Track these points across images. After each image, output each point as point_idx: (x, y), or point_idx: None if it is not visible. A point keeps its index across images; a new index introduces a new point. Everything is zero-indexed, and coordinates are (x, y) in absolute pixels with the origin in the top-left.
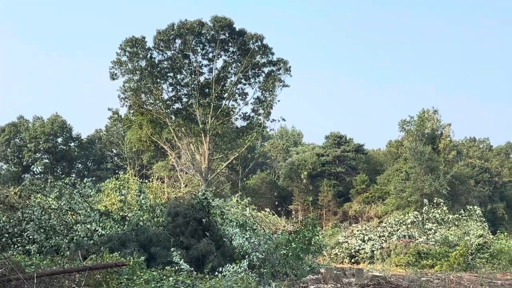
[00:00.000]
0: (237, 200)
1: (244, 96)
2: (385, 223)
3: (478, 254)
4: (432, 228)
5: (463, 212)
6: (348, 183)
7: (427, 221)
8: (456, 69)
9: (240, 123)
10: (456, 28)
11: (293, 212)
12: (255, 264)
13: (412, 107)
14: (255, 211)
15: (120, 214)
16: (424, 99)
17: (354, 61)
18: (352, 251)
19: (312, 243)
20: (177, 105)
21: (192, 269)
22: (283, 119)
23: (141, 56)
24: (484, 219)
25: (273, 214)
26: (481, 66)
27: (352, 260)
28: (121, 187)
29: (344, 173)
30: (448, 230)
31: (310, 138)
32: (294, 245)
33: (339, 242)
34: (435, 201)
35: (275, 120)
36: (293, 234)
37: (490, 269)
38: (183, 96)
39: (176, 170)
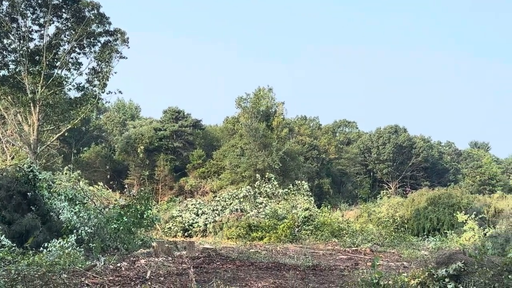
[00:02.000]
0: (66, 173)
1: (78, 66)
2: (219, 197)
3: (304, 226)
4: (263, 202)
5: (292, 187)
6: (185, 158)
7: (259, 195)
8: (291, 50)
9: (73, 94)
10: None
11: (126, 187)
12: (84, 239)
13: (250, 85)
14: (87, 185)
15: None
16: (260, 77)
17: (193, 29)
18: (186, 225)
19: (145, 217)
20: (3, 72)
21: (15, 245)
22: (120, 92)
23: None
24: (311, 194)
25: (107, 189)
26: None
27: (186, 234)
28: None
29: (181, 148)
30: (278, 204)
31: (148, 112)
32: (126, 219)
33: (173, 216)
34: (267, 176)
35: (112, 92)
36: (125, 208)
37: (314, 240)
38: (10, 63)
39: (2, 142)
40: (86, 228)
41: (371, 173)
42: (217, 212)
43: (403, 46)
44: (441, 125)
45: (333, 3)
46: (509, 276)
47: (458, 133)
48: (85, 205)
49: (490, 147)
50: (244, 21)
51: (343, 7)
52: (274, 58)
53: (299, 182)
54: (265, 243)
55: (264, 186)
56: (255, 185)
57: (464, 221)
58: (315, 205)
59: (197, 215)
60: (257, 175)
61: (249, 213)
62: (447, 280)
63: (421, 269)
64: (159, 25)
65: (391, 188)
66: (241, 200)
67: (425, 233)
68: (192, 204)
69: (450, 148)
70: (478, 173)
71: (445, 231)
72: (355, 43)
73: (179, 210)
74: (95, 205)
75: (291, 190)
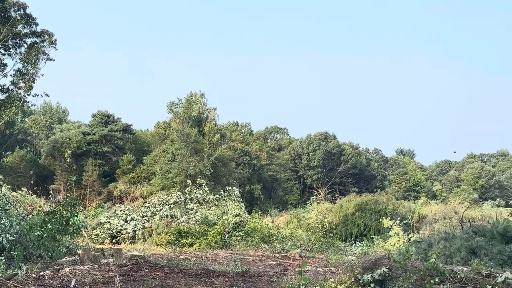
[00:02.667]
0: None
1: (2, 67)
2: (149, 203)
3: (234, 232)
4: (193, 208)
5: (223, 193)
6: (115, 163)
7: (189, 201)
8: (227, 55)
9: None
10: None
11: (52, 192)
12: (5, 246)
13: (180, 90)
14: (10, 190)
15: None
16: (193, 82)
17: (126, 35)
18: (114, 231)
19: (71, 223)
20: None
21: None
22: (47, 95)
23: None
24: (241, 200)
25: (31, 195)
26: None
27: (114, 241)
28: None
29: (111, 152)
30: (209, 209)
31: (76, 116)
32: (50, 226)
33: (101, 222)
34: (198, 182)
35: (38, 95)
36: (49, 215)
37: (244, 246)
38: None
39: None
40: (7, 236)
41: (302, 179)
42: (146, 218)
43: (333, 53)
44: (369, 132)
45: (265, 10)
46: (431, 281)
47: (385, 140)
48: (7, 211)
49: (415, 154)
50: (180, 27)
51: (273, 13)
52: (207, 63)
53: (230, 188)
54: (195, 249)
55: (195, 192)
56: (186, 191)
57: (390, 227)
58: (246, 211)
59: (126, 221)
60: (188, 180)
61: (179, 219)
62: (372, 285)
63: (348, 274)
64: (91, 31)
65: (320, 194)
66: (172, 206)
67: (352, 239)
68: (121, 210)
69: (377, 155)
70: (404, 179)
71: (371, 236)
72: (285, 49)
73: (107, 217)
74: (17, 211)
75: (222, 196)
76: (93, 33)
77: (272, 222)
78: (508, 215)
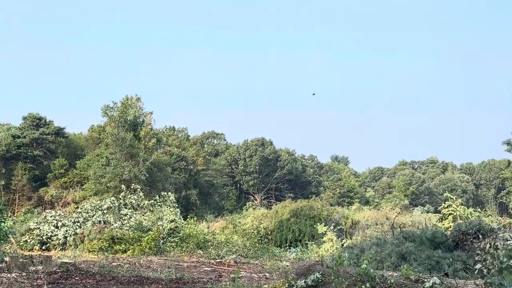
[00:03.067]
0: None
1: None
2: (81, 208)
3: (169, 238)
4: (127, 214)
5: (158, 198)
6: (46, 167)
7: (123, 206)
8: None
9: None
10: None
11: None
12: None
13: (116, 93)
14: None
15: None
16: (129, 86)
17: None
18: (44, 237)
19: None
20: None
21: None
22: None
23: None
24: (177, 205)
25: None
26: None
27: (43, 247)
28: None
29: (42, 156)
30: (143, 215)
31: (6, 118)
32: None
33: (30, 228)
34: (132, 187)
35: None
36: None
37: (179, 252)
38: None
39: None
40: None
41: (238, 185)
42: (78, 224)
43: (268, 56)
44: (305, 139)
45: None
46: (363, 286)
47: (320, 147)
48: None
49: (349, 161)
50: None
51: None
52: (146, 65)
53: (165, 193)
54: (129, 256)
55: (130, 197)
56: (120, 196)
57: (324, 232)
58: (181, 216)
59: (57, 227)
60: (123, 185)
61: (112, 225)
62: None
63: (282, 280)
64: (28, 26)
65: (257, 200)
66: (105, 211)
67: (287, 244)
68: (51, 216)
69: (313, 161)
70: (338, 186)
71: (306, 242)
72: (223, 52)
73: (37, 222)
74: None
75: (157, 202)
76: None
77: (208, 228)
78: (436, 221)
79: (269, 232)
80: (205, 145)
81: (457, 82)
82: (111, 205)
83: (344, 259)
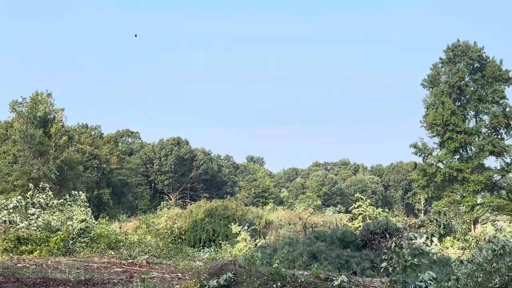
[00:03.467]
0: None
1: None
2: None
3: (79, 239)
4: (35, 213)
5: (68, 197)
6: None
7: (31, 206)
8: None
9: None
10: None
11: None
12: None
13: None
14: None
15: None
16: (39, 82)
17: None
18: None
19: None
20: None
21: None
22: None
23: None
24: (88, 204)
25: None
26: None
27: None
28: None
29: None
30: (52, 215)
31: None
32: None
33: None
34: (41, 185)
35: None
36: None
37: (90, 252)
38: None
39: None
40: None
41: (153, 184)
42: None
43: (186, 54)
44: (221, 139)
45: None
46: (274, 285)
47: (236, 147)
48: None
49: (264, 161)
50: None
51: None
52: (59, 63)
53: (76, 192)
54: (36, 257)
55: (38, 196)
56: (28, 195)
57: (238, 232)
58: (92, 216)
59: None
60: (31, 184)
61: (19, 225)
62: None
63: (194, 280)
64: None
65: (171, 200)
66: (11, 211)
67: (201, 244)
68: None
69: (228, 161)
70: (253, 186)
71: (220, 242)
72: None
73: None
74: None
75: (67, 201)
76: None
77: (120, 228)
78: (347, 221)
79: (183, 232)
80: (119, 144)
81: (370, 91)
82: (18, 204)
83: (256, 258)
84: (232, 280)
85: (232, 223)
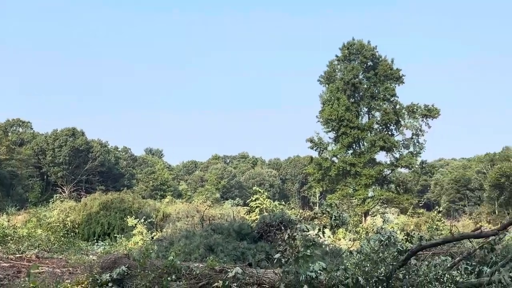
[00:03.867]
0: None
1: None
2: None
3: None
4: None
5: None
6: None
7: None
8: None
9: None
10: None
11: None
12: None
13: None
14: None
15: None
16: None
17: None
18: None
19: None
20: None
21: None
22: None
23: None
24: None
25: None
26: None
27: None
28: None
29: None
30: None
31: None
32: None
33: None
34: None
35: None
36: None
37: None
38: None
39: None
40: None
41: (45, 176)
42: None
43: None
44: (119, 130)
45: None
46: (168, 278)
47: (134, 139)
48: None
49: (163, 154)
50: None
51: None
52: None
53: None
54: None
55: None
56: None
57: (134, 225)
58: None
59: None
60: None
61: None
62: (110, 284)
63: (86, 274)
64: None
65: (65, 192)
66: None
67: (95, 238)
68: None
69: (126, 153)
70: (151, 178)
71: (115, 235)
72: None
73: None
74: None
75: None
76: None
77: (8, 221)
78: (245, 214)
79: (77, 226)
80: (9, 133)
81: (267, 85)
82: None
83: (152, 251)
84: (126, 274)
85: (128, 216)
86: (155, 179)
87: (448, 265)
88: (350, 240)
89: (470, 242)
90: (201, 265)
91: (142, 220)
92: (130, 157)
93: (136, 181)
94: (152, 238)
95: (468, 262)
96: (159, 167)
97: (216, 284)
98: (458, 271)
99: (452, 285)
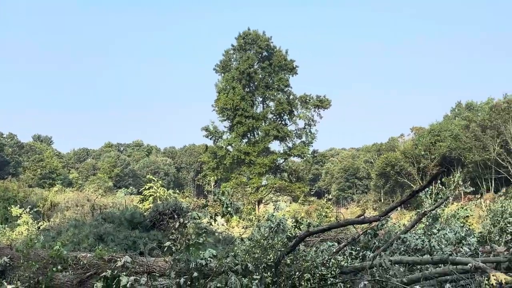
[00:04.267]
0: None
1: None
2: None
3: None
4: None
5: None
6: None
7: None
8: None
9: None
10: None
11: None
12: None
13: None
14: None
15: None
16: None
17: None
18: None
19: None
20: None
21: None
22: None
23: None
24: None
25: None
26: None
27: None
28: None
29: None
30: None
31: None
32: None
33: None
34: None
35: None
36: None
37: None
38: None
39: None
40: None
41: None
42: None
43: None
44: (3, 116)
45: None
46: (53, 268)
47: (21, 125)
48: None
49: (53, 141)
50: None
51: None
52: None
53: None
54: None
55: None
56: None
57: (19, 215)
58: None
59: None
60: None
61: None
62: None
63: None
64: None
65: None
66: None
67: None
68: None
69: (12, 140)
70: (39, 166)
71: None
72: None
73: None
74: None
75: None
76: None
77: None
78: (138, 202)
79: None
80: None
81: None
82: None
83: (36, 241)
84: (8, 265)
85: (13, 206)
86: (43, 167)
87: (334, 250)
88: (243, 227)
89: (355, 228)
90: (89, 254)
91: (28, 210)
92: (16, 144)
93: (22, 169)
94: (39, 228)
95: (353, 247)
96: (48, 154)
97: (104, 273)
98: (344, 256)
99: (337, 270)
